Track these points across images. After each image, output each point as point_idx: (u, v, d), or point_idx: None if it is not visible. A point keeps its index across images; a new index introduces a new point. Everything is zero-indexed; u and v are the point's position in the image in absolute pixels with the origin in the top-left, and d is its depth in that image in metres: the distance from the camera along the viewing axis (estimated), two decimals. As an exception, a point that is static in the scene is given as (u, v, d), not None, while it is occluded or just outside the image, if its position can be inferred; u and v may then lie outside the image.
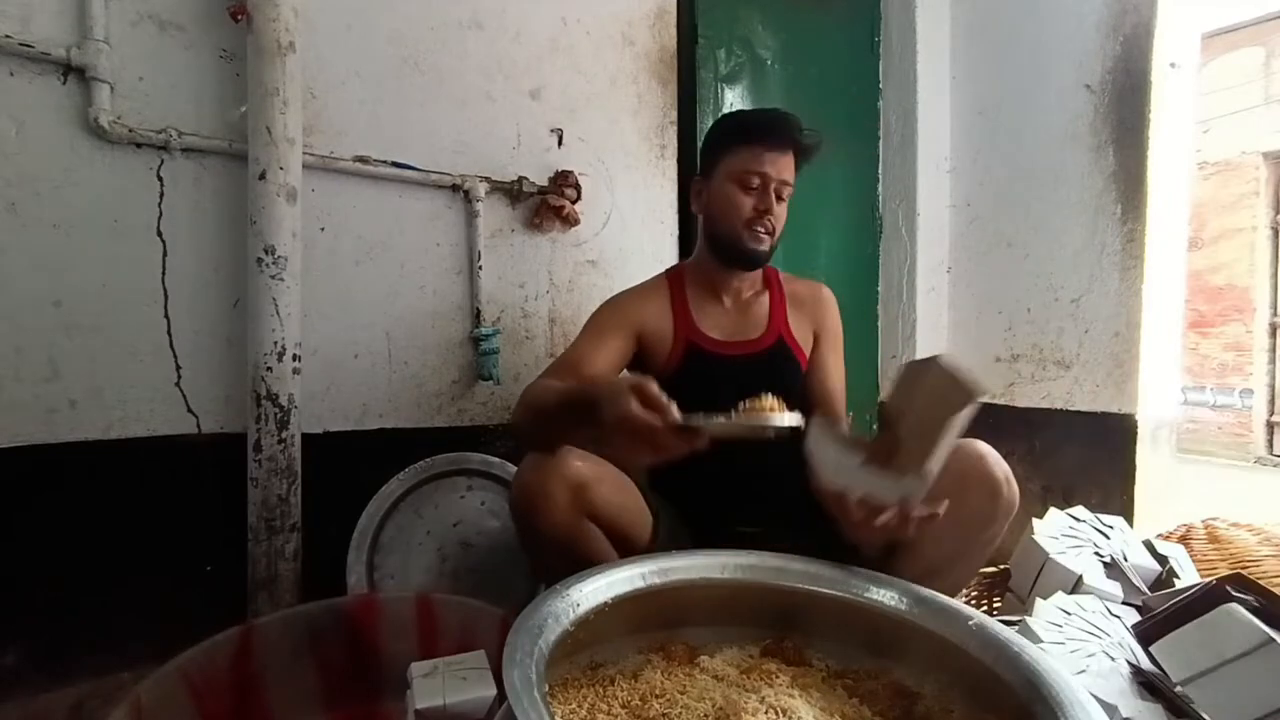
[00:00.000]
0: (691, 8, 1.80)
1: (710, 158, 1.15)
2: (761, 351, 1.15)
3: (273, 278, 1.15)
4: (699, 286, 1.18)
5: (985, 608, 1.34)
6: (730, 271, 1.16)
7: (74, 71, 1.07)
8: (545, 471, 0.87)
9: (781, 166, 1.09)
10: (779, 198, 1.11)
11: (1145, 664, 0.94)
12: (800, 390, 1.17)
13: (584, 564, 0.80)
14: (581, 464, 0.89)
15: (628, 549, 0.92)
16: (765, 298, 1.20)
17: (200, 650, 0.87)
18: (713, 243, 1.15)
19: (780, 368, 1.16)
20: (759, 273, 1.21)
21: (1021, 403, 1.83)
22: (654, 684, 0.67)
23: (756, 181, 1.08)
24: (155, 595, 1.14)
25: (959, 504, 0.91)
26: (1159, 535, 1.43)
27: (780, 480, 1.07)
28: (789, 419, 0.74)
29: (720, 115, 1.19)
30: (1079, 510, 1.39)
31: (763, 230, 1.10)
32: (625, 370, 1.13)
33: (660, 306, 1.16)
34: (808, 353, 1.19)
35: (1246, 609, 0.91)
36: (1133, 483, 1.60)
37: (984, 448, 0.93)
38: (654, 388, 0.71)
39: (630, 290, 1.20)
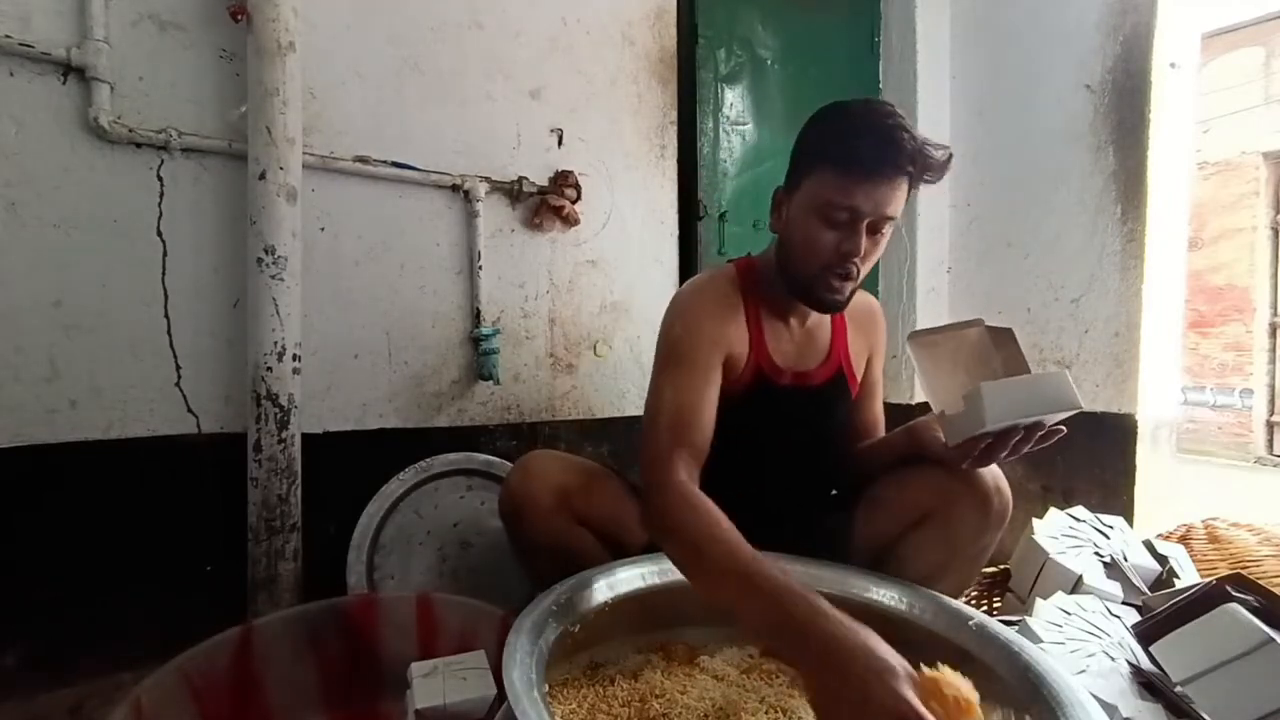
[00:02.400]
0: (691, 8, 1.80)
1: (797, 170, 0.94)
2: (822, 385, 1.05)
3: (273, 278, 1.15)
4: (769, 304, 1.03)
5: (985, 608, 1.34)
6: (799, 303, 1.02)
7: (74, 71, 1.07)
8: (531, 478, 0.86)
9: (883, 199, 0.86)
10: (875, 232, 0.90)
11: (1145, 664, 0.94)
12: (847, 415, 1.10)
13: (575, 569, 0.79)
14: (569, 469, 0.88)
15: (621, 553, 0.92)
16: (828, 320, 1.08)
17: (200, 650, 0.87)
18: (785, 274, 0.98)
19: (835, 402, 1.07)
20: None
21: (1021, 403, 1.83)
22: (654, 684, 0.67)
23: (845, 216, 0.88)
24: (155, 595, 1.14)
25: (947, 516, 0.91)
26: (1159, 535, 1.43)
27: (801, 504, 1.07)
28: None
29: (823, 108, 0.94)
30: (1079, 510, 1.39)
31: (843, 275, 0.91)
32: None
33: (739, 327, 1.00)
34: (860, 377, 1.10)
35: (1246, 609, 0.91)
36: (1133, 483, 1.60)
37: None
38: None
39: (706, 302, 1.01)
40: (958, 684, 0.55)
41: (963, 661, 0.68)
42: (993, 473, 0.91)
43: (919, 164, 0.87)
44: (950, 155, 0.90)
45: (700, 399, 0.90)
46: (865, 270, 0.93)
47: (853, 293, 0.95)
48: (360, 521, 1.27)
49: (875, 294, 2.08)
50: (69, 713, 1.04)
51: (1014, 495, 0.95)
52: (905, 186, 0.88)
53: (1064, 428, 0.84)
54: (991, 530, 0.92)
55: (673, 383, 0.91)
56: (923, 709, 0.49)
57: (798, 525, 1.00)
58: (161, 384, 1.16)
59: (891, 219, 0.89)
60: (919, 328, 1.98)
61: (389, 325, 1.38)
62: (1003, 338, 0.89)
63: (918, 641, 0.73)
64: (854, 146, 0.86)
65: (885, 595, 0.78)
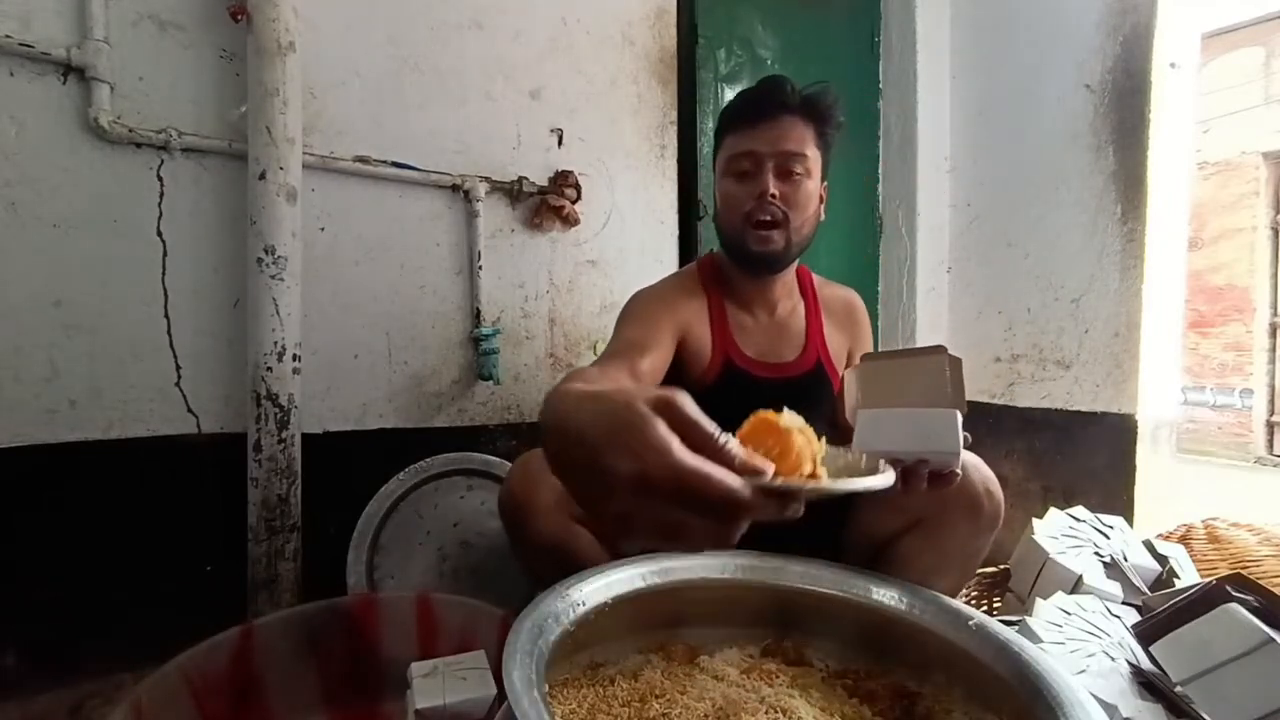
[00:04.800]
0: (691, 8, 1.80)
1: (714, 160, 1.03)
2: (801, 375, 1.04)
3: (273, 278, 1.15)
4: (733, 295, 1.04)
5: (985, 608, 1.34)
6: (755, 280, 1.03)
7: (74, 71, 1.07)
8: (530, 479, 0.85)
9: (777, 137, 0.93)
10: (787, 174, 0.94)
11: (1145, 664, 0.94)
12: (829, 412, 1.06)
13: (574, 570, 0.79)
14: None
15: (621, 554, 0.91)
16: (801, 309, 1.08)
17: (200, 650, 0.87)
18: (723, 245, 1.03)
19: (818, 395, 1.05)
20: (792, 279, 1.09)
21: (1021, 403, 1.83)
22: (654, 684, 0.67)
23: (747, 164, 0.94)
24: (155, 595, 1.14)
25: (939, 521, 0.90)
26: (1159, 535, 1.43)
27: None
28: (882, 480, 0.56)
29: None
30: (1079, 510, 1.39)
31: (767, 219, 0.94)
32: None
33: (699, 310, 1.01)
34: (841, 372, 1.09)
35: (1246, 609, 0.91)
36: (1133, 483, 1.60)
37: (965, 457, 0.85)
38: (699, 416, 0.39)
39: (664, 285, 1.06)
40: (788, 423, 0.49)
41: (963, 662, 0.68)
42: (983, 476, 0.90)
43: (807, 103, 0.94)
44: (832, 90, 0.96)
45: (644, 338, 0.91)
46: (799, 217, 0.96)
47: (792, 246, 0.97)
48: (360, 521, 1.27)
49: (875, 294, 2.09)
50: (69, 713, 1.04)
51: (1014, 495, 0.95)
52: (802, 126, 0.94)
53: (957, 472, 0.73)
54: (984, 534, 0.91)
55: (616, 338, 0.94)
56: (688, 458, 0.36)
57: (795, 525, 1.00)
58: (161, 384, 1.16)
59: (797, 155, 0.93)
60: (918, 329, 1.99)
61: (389, 325, 1.38)
62: (947, 367, 0.79)
63: (918, 641, 0.73)
64: (739, 103, 0.98)
65: (885, 595, 0.78)
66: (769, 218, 0.94)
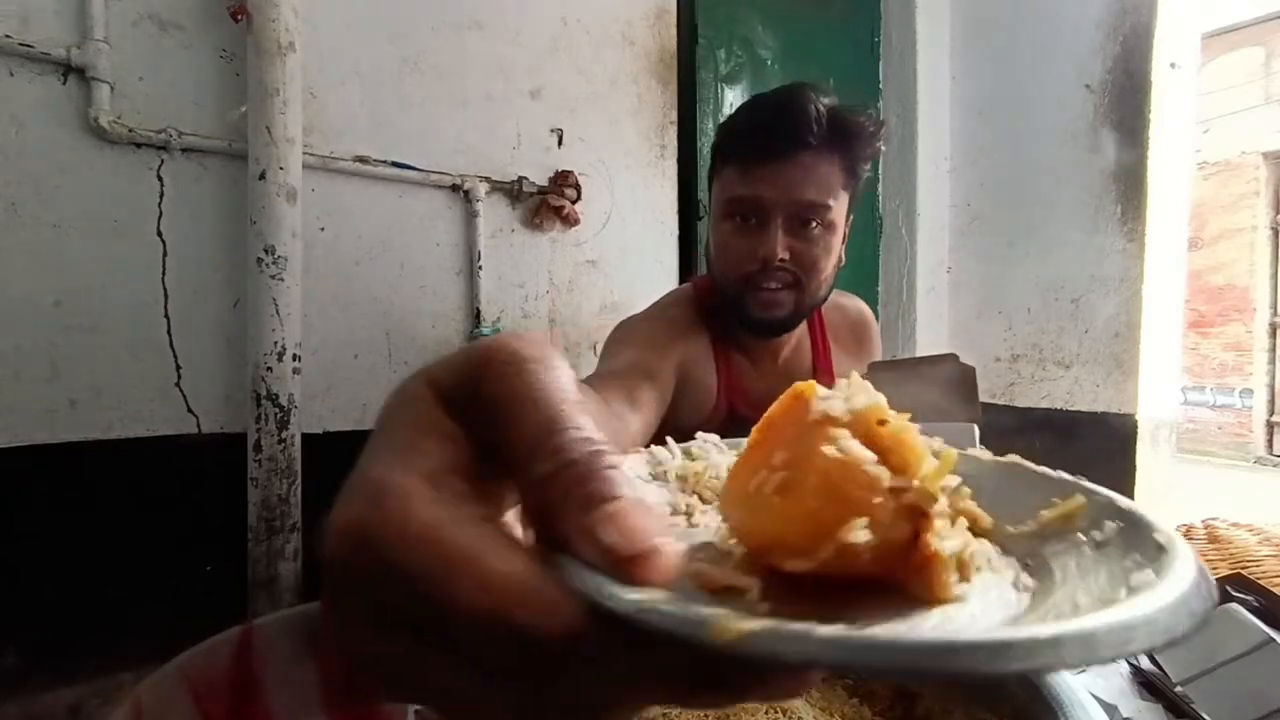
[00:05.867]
0: (691, 8, 1.80)
1: (710, 177, 0.83)
2: None
3: (273, 278, 1.15)
4: (737, 338, 0.87)
5: (985, 608, 1.34)
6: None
7: (74, 71, 1.07)
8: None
9: (792, 183, 0.72)
10: (802, 226, 0.74)
11: (1145, 664, 0.94)
12: None
13: None
14: None
15: None
16: (807, 345, 0.92)
17: (200, 650, 0.87)
18: (722, 299, 0.83)
19: None
20: None
21: (1021, 403, 1.83)
22: (654, 684, 0.67)
23: (753, 211, 0.74)
24: (155, 595, 1.14)
25: None
26: (1159, 535, 1.43)
27: None
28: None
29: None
30: (1079, 510, 1.38)
31: (773, 286, 0.76)
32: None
33: (702, 350, 0.84)
34: None
35: (1246, 609, 0.91)
36: (1133, 483, 1.60)
37: None
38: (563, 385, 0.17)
39: (660, 315, 0.88)
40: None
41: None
42: None
43: (838, 133, 0.72)
44: (878, 120, 0.76)
45: (645, 361, 0.73)
46: (814, 280, 0.77)
47: (804, 309, 0.80)
48: (360, 521, 1.27)
49: (875, 294, 2.09)
50: (69, 713, 1.04)
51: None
52: (825, 165, 0.73)
53: None
54: None
55: (607, 359, 0.78)
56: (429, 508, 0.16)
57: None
58: (161, 384, 1.16)
59: (817, 206, 0.73)
60: (918, 329, 1.99)
61: (389, 325, 1.38)
62: (960, 376, 0.75)
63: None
64: (749, 130, 0.74)
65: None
66: (776, 285, 0.76)
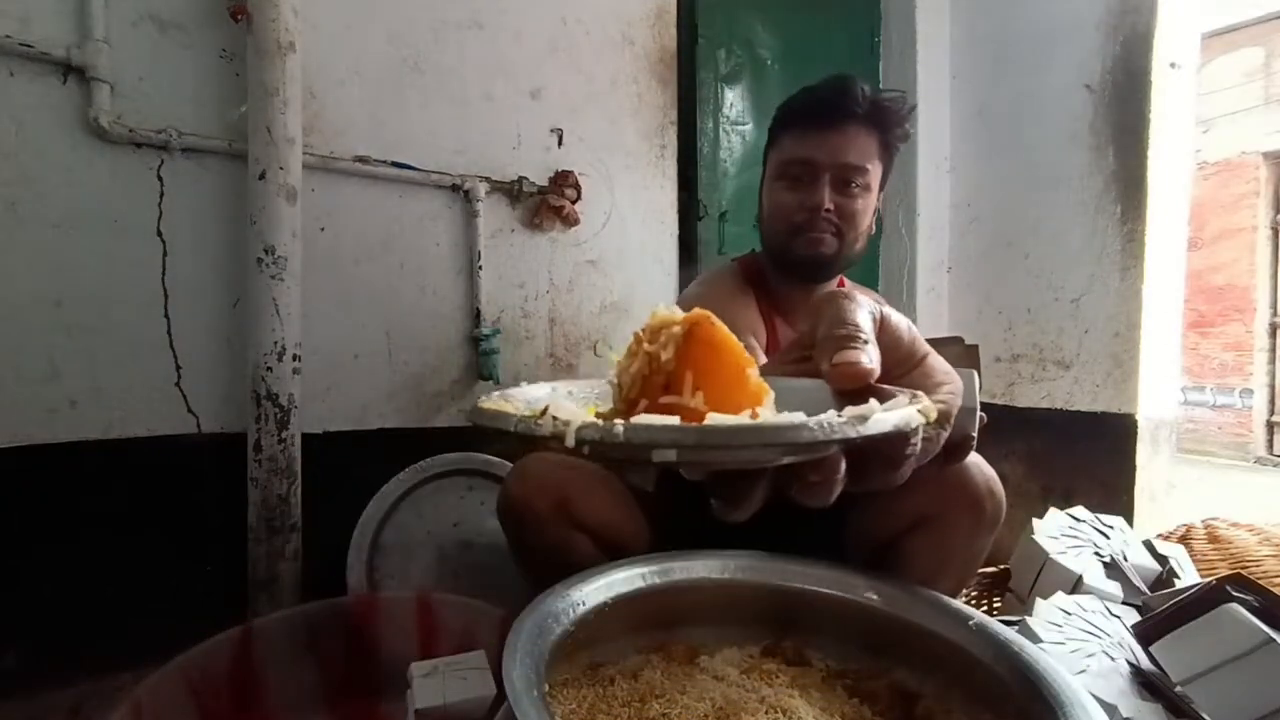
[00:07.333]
0: (691, 8, 1.80)
1: (766, 152, 0.99)
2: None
3: (273, 278, 1.15)
4: (776, 298, 1.00)
5: (985, 608, 1.34)
6: (800, 287, 0.98)
7: (74, 71, 1.07)
8: (529, 483, 0.84)
9: (838, 147, 0.88)
10: (845, 186, 0.90)
11: (1145, 664, 0.94)
12: None
13: (573, 574, 0.78)
14: (568, 472, 0.87)
15: (620, 558, 0.91)
16: None
17: (200, 650, 0.87)
18: (769, 253, 0.99)
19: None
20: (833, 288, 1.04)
21: (1021, 403, 1.83)
22: (654, 684, 0.67)
23: (805, 171, 0.89)
24: (155, 595, 1.14)
25: (941, 521, 0.90)
26: (1159, 535, 1.43)
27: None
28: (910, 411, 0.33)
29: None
30: (1079, 510, 1.38)
31: (819, 232, 0.90)
32: None
33: (752, 313, 0.96)
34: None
35: (1246, 609, 0.91)
36: (1133, 483, 1.60)
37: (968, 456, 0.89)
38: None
39: (710, 283, 1.00)
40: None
41: (963, 662, 0.68)
42: (985, 475, 0.90)
43: (876, 111, 0.88)
44: (909, 103, 0.91)
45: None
46: (852, 232, 0.92)
47: (842, 257, 0.93)
48: (360, 522, 1.27)
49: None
50: (69, 713, 1.04)
51: (1014, 495, 0.95)
52: (865, 136, 0.89)
53: (973, 436, 0.61)
54: (985, 534, 0.91)
55: None
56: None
57: (795, 524, 0.99)
58: (161, 384, 1.16)
59: (858, 169, 0.88)
60: (918, 329, 1.99)
61: (389, 325, 1.38)
62: (964, 357, 0.80)
63: (918, 641, 0.73)
64: (804, 103, 0.90)
65: (885, 595, 0.78)
66: (824, 230, 0.90)
